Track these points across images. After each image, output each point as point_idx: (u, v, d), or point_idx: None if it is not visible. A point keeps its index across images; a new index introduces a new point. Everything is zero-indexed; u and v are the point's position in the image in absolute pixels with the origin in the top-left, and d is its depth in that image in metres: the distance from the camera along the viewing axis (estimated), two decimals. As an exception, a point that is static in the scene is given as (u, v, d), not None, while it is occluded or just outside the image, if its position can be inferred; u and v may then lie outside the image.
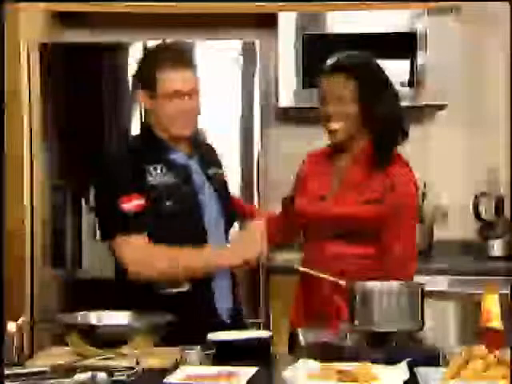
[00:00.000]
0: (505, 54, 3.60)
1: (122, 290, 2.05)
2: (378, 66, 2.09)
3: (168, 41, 2.61)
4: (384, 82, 2.06)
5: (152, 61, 2.03)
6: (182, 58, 2.04)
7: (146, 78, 2.02)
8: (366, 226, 2.03)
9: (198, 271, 1.97)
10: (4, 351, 1.64)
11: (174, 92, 1.99)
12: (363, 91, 2.00)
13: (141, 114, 3.04)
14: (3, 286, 1.67)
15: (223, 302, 2.06)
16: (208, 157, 2.16)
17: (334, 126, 2.04)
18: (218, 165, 2.20)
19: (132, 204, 1.95)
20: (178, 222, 1.99)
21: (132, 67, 3.05)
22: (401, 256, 2.01)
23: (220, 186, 2.14)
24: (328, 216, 2.06)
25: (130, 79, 3.06)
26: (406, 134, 2.09)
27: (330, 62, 2.08)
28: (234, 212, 2.22)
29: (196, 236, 2.03)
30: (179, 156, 2.07)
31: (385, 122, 2.03)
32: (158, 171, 2.01)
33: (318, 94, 2.10)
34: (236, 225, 2.29)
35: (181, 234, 1.99)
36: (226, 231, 2.13)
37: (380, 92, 2.02)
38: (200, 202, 2.05)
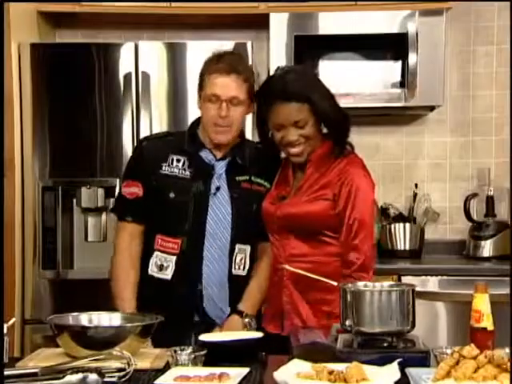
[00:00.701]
0: (494, 55, 3.62)
1: None
2: (316, 80, 2.14)
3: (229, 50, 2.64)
4: (326, 94, 2.10)
5: (207, 63, 2.10)
6: (233, 65, 2.06)
7: (199, 79, 2.11)
8: (321, 223, 2.06)
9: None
10: (3, 352, 1.63)
11: (213, 95, 2.04)
12: (317, 111, 2.05)
13: (132, 113, 3.04)
14: (3, 287, 1.67)
15: (214, 307, 2.10)
16: (251, 164, 2.14)
17: (297, 150, 2.08)
18: (263, 176, 2.16)
19: (129, 190, 2.12)
20: (176, 215, 2.07)
21: (124, 67, 3.06)
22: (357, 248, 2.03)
23: (242, 194, 2.12)
24: (285, 215, 2.08)
25: (122, 79, 3.06)
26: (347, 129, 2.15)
27: (278, 89, 2.07)
28: (253, 229, 2.15)
29: (194, 234, 2.08)
30: (207, 155, 2.12)
31: (335, 120, 2.09)
32: (180, 164, 2.10)
33: (269, 120, 2.10)
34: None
35: (179, 228, 2.07)
36: (233, 241, 2.11)
37: (323, 99, 2.07)
38: (208, 203, 2.08)
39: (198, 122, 2.17)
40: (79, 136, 3.09)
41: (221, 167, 2.11)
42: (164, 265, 2.08)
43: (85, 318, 1.81)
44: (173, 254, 2.09)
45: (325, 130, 2.13)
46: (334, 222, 2.07)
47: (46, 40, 3.39)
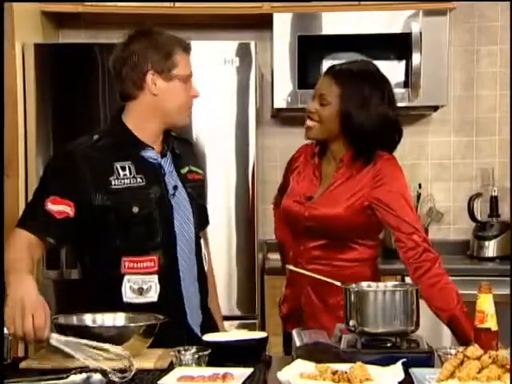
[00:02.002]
0: (498, 55, 3.62)
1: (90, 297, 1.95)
2: (370, 80, 2.06)
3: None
4: (368, 96, 2.03)
5: (165, 40, 1.89)
6: (188, 43, 1.95)
7: (163, 57, 1.86)
8: (350, 227, 2.05)
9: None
10: (2, 352, 1.63)
11: (190, 74, 1.90)
12: (344, 98, 2.02)
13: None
14: (3, 287, 1.66)
15: (194, 317, 1.95)
16: (184, 154, 1.99)
17: (310, 123, 2.08)
18: (194, 163, 2.03)
19: (57, 208, 1.81)
20: (144, 230, 1.85)
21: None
22: (415, 244, 1.99)
23: (193, 187, 1.98)
24: (314, 216, 2.07)
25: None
26: (393, 142, 2.10)
27: (334, 65, 2.12)
28: (206, 215, 2.11)
29: (167, 244, 1.90)
30: (151, 154, 1.90)
31: (358, 132, 2.03)
32: (126, 172, 1.86)
33: None
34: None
35: (150, 243, 1.86)
36: (197, 235, 1.98)
37: (360, 104, 2.02)
38: (171, 206, 1.90)
39: (119, 115, 1.91)
40: (83, 135, 3.08)
41: (168, 164, 1.92)
42: (144, 287, 1.84)
43: (89, 318, 1.81)
44: (152, 274, 1.86)
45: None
46: (365, 227, 2.06)
47: (49, 40, 3.39)
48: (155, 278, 1.87)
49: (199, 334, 1.93)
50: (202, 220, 2.06)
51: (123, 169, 1.86)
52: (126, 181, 1.85)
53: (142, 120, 1.89)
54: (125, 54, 1.87)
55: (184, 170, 1.97)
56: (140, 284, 1.86)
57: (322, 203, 2.07)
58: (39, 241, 1.84)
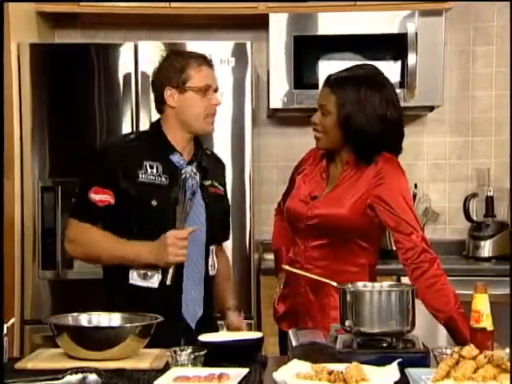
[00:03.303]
0: (494, 55, 3.62)
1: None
2: (366, 85, 2.05)
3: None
4: (366, 101, 2.03)
5: (180, 58, 2.10)
6: (206, 58, 2.12)
7: (177, 73, 2.07)
8: (351, 227, 2.05)
9: (115, 261, 2.03)
10: (2, 352, 1.63)
11: (206, 86, 2.07)
12: (341, 106, 2.04)
13: (132, 114, 3.05)
14: (3, 288, 1.67)
15: (191, 309, 2.07)
16: (210, 169, 2.18)
17: (316, 134, 2.11)
18: (219, 180, 2.21)
19: (99, 197, 2.04)
20: (159, 222, 2.02)
21: (123, 67, 3.06)
22: (415, 244, 1.99)
23: (212, 197, 2.14)
24: (316, 215, 2.07)
25: (122, 80, 3.06)
26: (396, 143, 2.11)
27: (331, 73, 2.13)
28: (225, 230, 2.27)
29: None
30: (178, 159, 2.10)
31: (360, 137, 2.04)
32: (154, 170, 2.06)
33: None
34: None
35: (160, 234, 2.00)
36: (207, 245, 2.12)
37: (358, 110, 2.02)
38: (186, 207, 2.04)
39: (158, 123, 2.14)
40: (79, 136, 3.09)
41: (192, 171, 2.11)
42: (148, 273, 2.03)
43: (84, 319, 1.81)
44: None
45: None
46: (367, 228, 2.06)
47: (45, 40, 3.39)
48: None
49: (192, 326, 2.06)
50: (218, 233, 2.19)
51: (151, 167, 2.07)
52: (151, 177, 2.06)
53: (171, 129, 2.11)
54: (153, 78, 2.15)
55: (207, 182, 2.15)
56: (146, 270, 2.03)
57: (325, 203, 2.08)
58: (93, 227, 2.06)
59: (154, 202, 2.03)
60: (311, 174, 2.19)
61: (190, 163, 2.11)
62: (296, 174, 2.26)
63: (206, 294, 2.12)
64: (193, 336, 1.84)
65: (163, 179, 2.06)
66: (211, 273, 2.14)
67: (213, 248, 2.16)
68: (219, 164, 2.28)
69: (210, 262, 2.14)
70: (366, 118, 2.02)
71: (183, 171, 2.08)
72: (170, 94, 2.08)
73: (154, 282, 2.03)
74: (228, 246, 3.01)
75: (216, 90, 2.11)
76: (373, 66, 2.17)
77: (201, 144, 2.18)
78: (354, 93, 2.03)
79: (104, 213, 2.03)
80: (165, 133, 2.11)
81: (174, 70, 2.07)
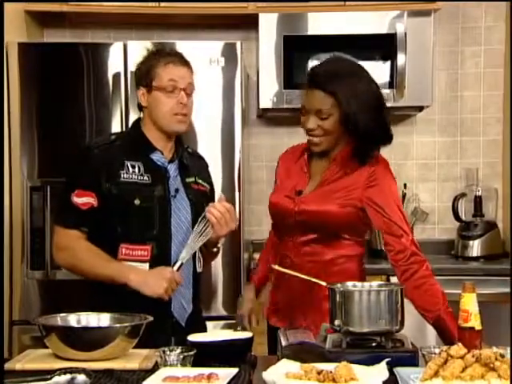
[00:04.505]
0: (482, 56, 3.64)
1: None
2: (355, 76, 2.05)
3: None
4: (361, 93, 2.02)
5: (151, 57, 2.11)
6: (178, 56, 2.11)
7: (144, 73, 2.09)
8: (341, 223, 2.05)
9: (101, 279, 2.01)
10: (2, 351, 1.62)
11: (172, 85, 2.05)
12: (341, 106, 2.00)
13: (121, 114, 3.04)
14: (3, 288, 1.66)
15: (181, 307, 2.09)
16: (192, 166, 2.18)
17: (314, 140, 2.07)
18: (202, 176, 2.21)
19: (82, 200, 2.03)
20: (143, 221, 2.04)
21: (113, 67, 3.05)
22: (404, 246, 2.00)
23: (196, 194, 2.14)
24: (305, 211, 2.07)
25: (111, 79, 3.05)
26: (389, 138, 2.10)
27: (309, 72, 2.08)
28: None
29: (161, 239, 2.06)
30: (159, 158, 2.10)
31: (364, 131, 2.03)
32: (136, 169, 2.06)
33: (300, 100, 2.10)
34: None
35: (147, 234, 2.03)
36: None
37: (358, 104, 2.01)
38: (170, 205, 2.07)
39: (138, 123, 2.15)
40: (68, 136, 3.08)
41: (174, 169, 2.12)
42: None
43: (73, 319, 1.81)
44: (143, 262, 2.04)
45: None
46: (355, 224, 2.06)
47: (33, 39, 3.37)
48: (146, 266, 2.04)
49: (182, 324, 2.08)
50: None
51: (133, 167, 2.06)
52: (133, 176, 2.05)
53: (148, 128, 2.12)
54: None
55: (189, 179, 2.16)
56: None
57: (313, 199, 2.07)
58: (78, 232, 2.05)
59: (137, 201, 2.03)
60: (292, 168, 2.17)
61: (171, 161, 2.12)
62: (277, 173, 2.24)
63: (194, 291, 2.14)
64: (183, 334, 1.83)
65: (145, 178, 2.06)
66: (199, 270, 2.14)
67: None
68: (201, 162, 2.28)
69: (196, 258, 2.12)
70: (366, 110, 2.01)
71: (164, 169, 2.08)
72: (142, 94, 2.10)
73: None
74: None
75: (186, 89, 2.08)
76: (340, 55, 2.16)
77: (182, 142, 2.18)
78: (349, 89, 2.01)
79: (88, 216, 2.03)
80: (144, 132, 2.11)
81: (145, 69, 2.09)
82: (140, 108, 2.15)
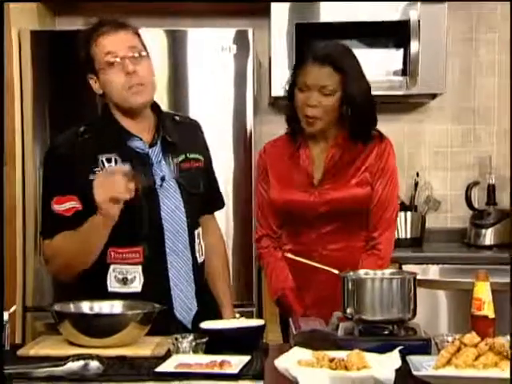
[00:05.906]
0: (496, 43, 3.61)
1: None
2: (355, 56, 2.13)
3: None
4: (361, 72, 2.10)
5: (83, 40, 1.89)
6: (108, 24, 1.86)
7: (84, 59, 1.87)
8: (364, 206, 2.09)
9: (93, 252, 1.82)
10: (3, 349, 1.63)
11: (109, 58, 1.82)
12: (347, 83, 2.04)
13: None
14: (3, 280, 1.67)
15: (184, 307, 1.92)
16: (180, 141, 1.93)
17: (314, 112, 2.05)
18: (194, 149, 1.97)
19: (63, 206, 1.82)
20: (129, 221, 1.81)
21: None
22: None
23: (187, 176, 1.92)
24: (330, 200, 2.08)
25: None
26: (375, 119, 2.16)
27: (318, 51, 2.09)
28: (215, 202, 2.09)
29: (153, 236, 1.87)
30: (138, 144, 1.87)
31: (363, 109, 2.08)
32: (112, 163, 1.83)
33: (299, 79, 2.09)
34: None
35: (136, 235, 1.85)
36: (191, 225, 1.92)
37: (359, 82, 2.07)
38: (157, 197, 1.87)
39: (108, 109, 1.89)
40: (80, 123, 3.07)
41: (156, 154, 1.88)
42: (128, 277, 1.84)
43: (86, 306, 1.80)
44: (136, 264, 1.85)
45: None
46: (368, 202, 2.12)
47: (45, 27, 3.37)
48: (139, 268, 1.86)
49: (189, 326, 1.91)
50: (203, 206, 2.01)
51: (108, 160, 1.84)
52: None
53: (118, 114, 1.89)
54: None
55: (179, 159, 1.93)
56: (124, 274, 1.86)
57: (333, 187, 2.10)
58: None
59: None
60: (283, 162, 2.16)
61: (152, 145, 1.88)
62: (266, 176, 2.18)
63: (197, 285, 1.95)
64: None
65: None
66: (200, 260, 1.97)
67: (198, 232, 1.97)
68: (193, 129, 2.02)
69: (196, 248, 1.95)
70: (365, 90, 2.07)
71: (146, 155, 1.85)
72: (94, 82, 1.89)
73: (136, 285, 1.86)
74: (230, 233, 3.03)
75: (128, 56, 1.81)
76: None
77: (164, 116, 1.93)
78: (354, 67, 2.07)
79: (75, 222, 1.79)
80: (117, 119, 1.88)
81: (83, 55, 1.87)
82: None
